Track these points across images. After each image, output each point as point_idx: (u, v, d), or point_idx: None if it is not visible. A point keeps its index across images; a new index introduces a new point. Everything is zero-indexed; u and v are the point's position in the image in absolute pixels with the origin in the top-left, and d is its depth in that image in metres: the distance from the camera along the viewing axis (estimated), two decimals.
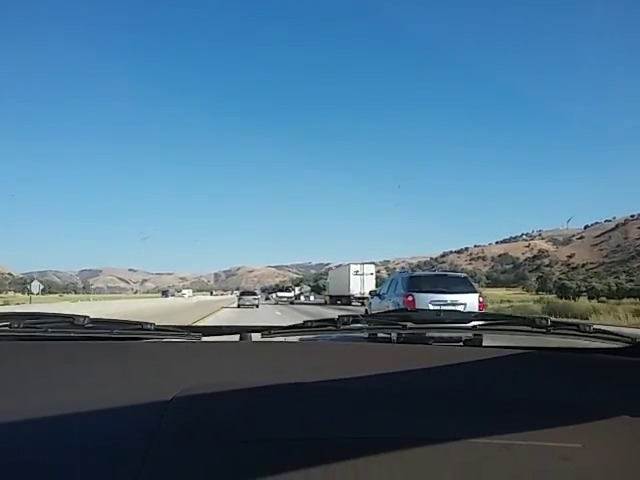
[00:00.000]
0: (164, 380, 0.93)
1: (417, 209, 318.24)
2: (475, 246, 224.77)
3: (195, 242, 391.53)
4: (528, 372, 1.09)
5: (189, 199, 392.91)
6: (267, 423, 0.74)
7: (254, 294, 38.93)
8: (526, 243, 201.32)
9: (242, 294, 38.86)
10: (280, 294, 64.24)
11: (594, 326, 1.24)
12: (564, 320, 1.22)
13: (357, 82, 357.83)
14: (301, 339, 1.30)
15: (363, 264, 45.11)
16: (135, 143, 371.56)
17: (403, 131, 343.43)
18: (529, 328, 1.26)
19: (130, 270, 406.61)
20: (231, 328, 1.32)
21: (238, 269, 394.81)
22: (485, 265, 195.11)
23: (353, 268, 43.40)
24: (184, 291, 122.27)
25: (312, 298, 71.73)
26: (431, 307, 10.60)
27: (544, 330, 1.22)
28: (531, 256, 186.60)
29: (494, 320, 1.35)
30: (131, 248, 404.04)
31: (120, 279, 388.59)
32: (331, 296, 47.52)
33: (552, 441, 0.72)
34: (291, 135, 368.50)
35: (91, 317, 1.20)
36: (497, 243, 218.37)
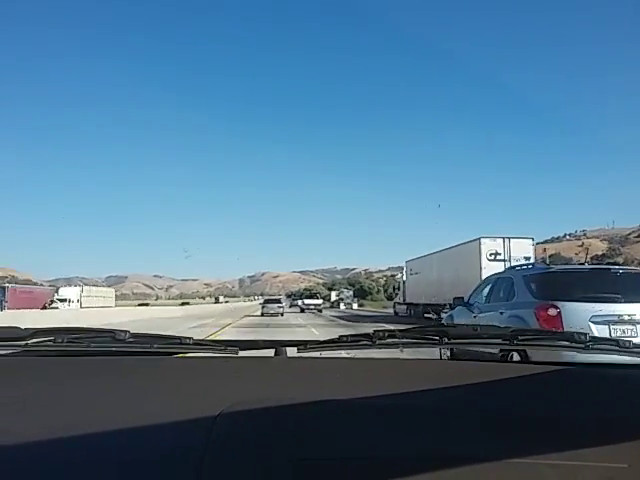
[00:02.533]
0: (207, 395, 0.95)
1: (449, 212, 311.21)
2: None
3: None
4: (570, 389, 1.07)
5: (214, 205, 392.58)
6: (312, 441, 0.74)
7: (279, 302, 36.77)
8: (578, 242, 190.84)
9: (266, 302, 37.23)
10: (307, 301, 52.21)
11: (634, 342, 1.23)
12: (604, 336, 1.20)
13: (378, 87, 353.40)
14: (337, 354, 1.29)
15: (508, 239, 21.37)
16: (161, 150, 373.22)
17: (428, 136, 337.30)
18: (568, 343, 1.24)
19: (155, 276, 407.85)
20: (267, 342, 1.32)
21: (262, 274, 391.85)
22: None
23: (488, 245, 21.15)
24: (221, 298, 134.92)
25: (355, 306, 62.53)
26: (593, 328, 5.87)
27: (583, 346, 1.20)
28: (589, 256, 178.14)
29: (532, 335, 1.33)
30: (156, 254, 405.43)
31: (145, 285, 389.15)
32: (411, 304, 29.76)
33: (597, 461, 0.71)
34: (315, 141, 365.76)
35: (131, 332, 1.23)
36: (539, 244, 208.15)
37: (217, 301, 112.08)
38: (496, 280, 8.14)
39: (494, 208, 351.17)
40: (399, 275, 36.72)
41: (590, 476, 0.68)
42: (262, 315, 32.48)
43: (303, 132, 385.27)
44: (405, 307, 31.71)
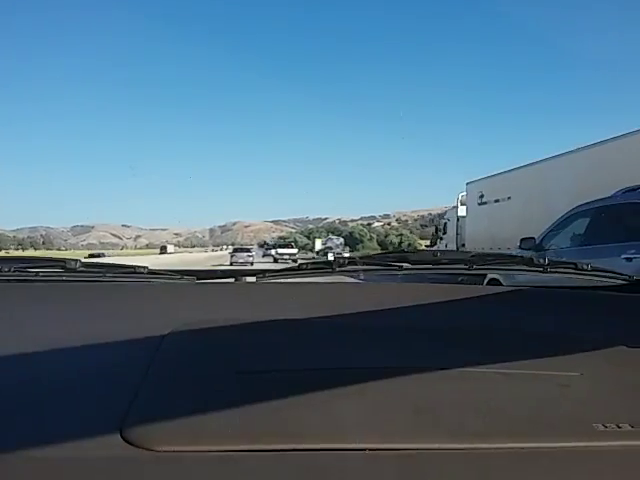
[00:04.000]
0: (159, 318, 0.94)
1: (425, 152, 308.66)
2: None
3: (188, 180, 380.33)
4: (527, 308, 1.12)
5: (184, 151, 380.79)
6: (260, 356, 0.75)
7: (248, 250, 35.97)
8: None
9: (235, 250, 36.21)
10: (281, 250, 46.66)
11: (592, 265, 1.26)
12: (562, 260, 1.27)
13: (357, 18, 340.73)
14: (297, 281, 1.29)
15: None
16: (129, 87, 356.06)
17: (399, 71, 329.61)
18: (526, 267, 1.27)
19: (123, 226, 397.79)
20: (225, 272, 1.33)
21: (234, 224, 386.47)
22: None
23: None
24: (169, 247, 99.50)
25: (346, 255, 54.33)
26: None
27: (541, 269, 1.24)
28: None
29: (492, 259, 1.36)
30: (124, 203, 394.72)
31: (113, 235, 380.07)
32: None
33: (551, 370, 0.74)
34: (285, 77, 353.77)
35: (83, 261, 1.20)
36: None
37: (163, 251, 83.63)
38: (599, 210, 5.03)
39: (472, 153, 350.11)
40: (451, 209, 21.82)
41: (544, 383, 0.71)
42: (231, 265, 31.22)
43: (273, 66, 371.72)
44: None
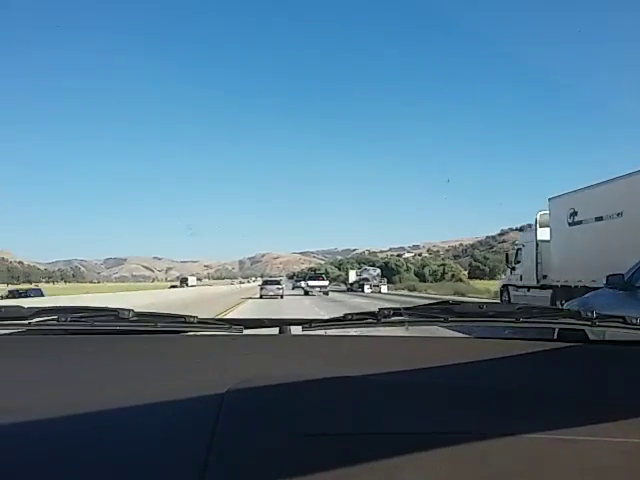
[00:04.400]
0: (213, 373, 0.96)
1: (448, 193, 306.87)
2: None
3: (217, 228, 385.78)
4: (578, 366, 1.09)
5: (214, 187, 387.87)
6: (317, 417, 0.75)
7: (278, 283, 34.12)
8: None
9: (265, 283, 34.51)
10: (312, 283, 42.73)
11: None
12: (610, 314, 1.24)
13: (378, 60, 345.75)
14: (342, 333, 1.29)
15: None
16: (161, 130, 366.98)
17: (427, 109, 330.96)
18: (574, 321, 1.25)
19: (155, 258, 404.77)
20: (272, 321, 1.34)
21: (263, 256, 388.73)
22: None
23: None
24: (190, 279, 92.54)
25: (384, 288, 47.73)
26: None
27: (589, 323, 1.22)
28: None
29: (539, 313, 1.32)
30: (156, 236, 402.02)
31: (145, 267, 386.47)
32: (565, 287, 13.52)
33: (614, 436, 0.71)
34: (315, 118, 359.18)
35: (135, 311, 1.24)
36: None
37: (183, 284, 77.76)
38: None
39: (503, 184, 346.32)
40: (526, 233, 18.36)
41: (606, 450, 0.68)
42: (261, 297, 30.41)
43: (304, 114, 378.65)
44: (546, 292, 14.98)
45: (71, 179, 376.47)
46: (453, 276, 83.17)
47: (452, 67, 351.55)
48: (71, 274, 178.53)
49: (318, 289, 40.37)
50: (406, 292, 48.22)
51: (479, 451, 0.67)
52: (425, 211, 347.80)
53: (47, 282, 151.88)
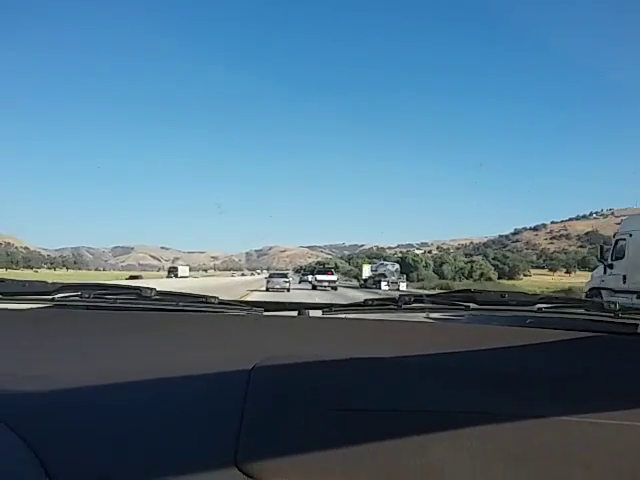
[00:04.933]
0: (237, 351, 0.97)
1: (459, 187, 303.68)
2: (552, 222, 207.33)
3: (220, 214, 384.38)
4: (601, 354, 1.10)
5: (224, 177, 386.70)
6: (347, 393, 0.75)
7: (285, 276, 33.30)
8: (617, 220, 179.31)
9: (271, 276, 33.60)
10: (320, 277, 38.77)
11: None
12: (633, 305, 1.25)
13: (396, 51, 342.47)
14: (362, 317, 1.30)
15: None
16: (171, 118, 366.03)
17: (439, 104, 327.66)
18: (597, 312, 1.25)
19: (162, 248, 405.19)
20: (292, 304, 1.36)
21: (270, 249, 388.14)
22: (570, 245, 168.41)
23: None
24: (180, 268, 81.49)
25: (403, 286, 43.48)
26: None
27: (612, 314, 1.22)
28: None
29: (561, 303, 1.32)
30: (164, 226, 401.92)
31: (152, 257, 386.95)
32: None
33: (637, 420, 0.72)
34: (326, 113, 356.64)
35: (157, 290, 1.26)
36: (564, 222, 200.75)
37: (170, 274, 73.07)
38: None
39: (509, 185, 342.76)
40: (629, 220, 13.58)
41: (632, 434, 0.70)
42: (267, 290, 29.51)
43: (314, 104, 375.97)
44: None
45: (82, 166, 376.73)
46: (482, 274, 76.01)
47: (471, 60, 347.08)
48: (72, 261, 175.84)
49: (326, 284, 37.01)
50: (430, 291, 39.84)
51: (511, 431, 0.67)
52: (434, 209, 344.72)
53: (48, 268, 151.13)
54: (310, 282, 43.21)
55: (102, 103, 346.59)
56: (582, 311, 1.28)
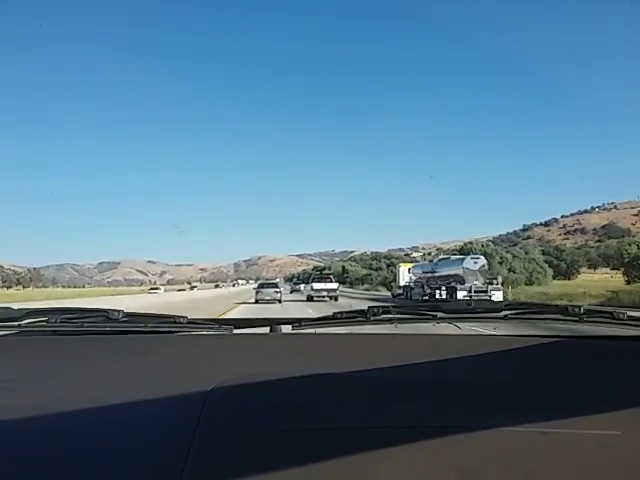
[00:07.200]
0: (200, 372, 0.97)
1: (447, 193, 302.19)
2: (563, 216, 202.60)
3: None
4: (563, 360, 1.09)
5: (208, 189, 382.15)
6: (303, 413, 0.76)
7: (275, 286, 30.00)
8: (634, 211, 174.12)
9: (260, 286, 29.60)
10: (317, 286, 29.99)
11: (628, 314, 1.23)
12: (598, 308, 1.24)
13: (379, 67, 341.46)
14: (331, 331, 1.30)
15: None
16: (153, 133, 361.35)
17: (430, 105, 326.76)
18: (561, 316, 1.26)
19: (149, 262, 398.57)
20: (261, 320, 1.35)
21: (259, 258, 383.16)
22: (587, 240, 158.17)
23: None
24: (160, 287, 73.12)
25: (499, 295, 22.40)
26: None
27: (577, 318, 1.22)
28: None
29: (526, 309, 1.34)
30: (151, 240, 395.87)
31: (139, 271, 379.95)
32: None
33: (590, 428, 0.71)
34: (310, 121, 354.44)
35: (125, 311, 1.24)
36: (564, 217, 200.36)
37: (154, 290, 65.74)
38: None
39: (502, 184, 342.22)
40: None
41: (582, 443, 0.69)
42: (256, 302, 26.49)
43: (301, 116, 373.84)
44: None
45: (63, 183, 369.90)
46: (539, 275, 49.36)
47: (459, 62, 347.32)
48: (28, 278, 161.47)
49: (325, 293, 29.28)
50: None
51: (459, 444, 0.67)
52: (423, 212, 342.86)
53: (1, 287, 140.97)
54: (303, 292, 37.62)
55: (84, 118, 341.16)
56: (547, 316, 1.31)
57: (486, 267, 24.71)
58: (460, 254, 33.32)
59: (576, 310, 1.22)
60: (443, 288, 24.13)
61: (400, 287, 32.51)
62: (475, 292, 22.09)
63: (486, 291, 22.48)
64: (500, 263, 39.75)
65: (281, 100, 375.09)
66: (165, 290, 58.02)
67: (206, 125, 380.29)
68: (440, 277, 25.50)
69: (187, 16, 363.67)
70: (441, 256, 32.28)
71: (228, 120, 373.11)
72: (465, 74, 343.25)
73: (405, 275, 32.24)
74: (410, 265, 33.81)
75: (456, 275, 23.95)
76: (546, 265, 49.69)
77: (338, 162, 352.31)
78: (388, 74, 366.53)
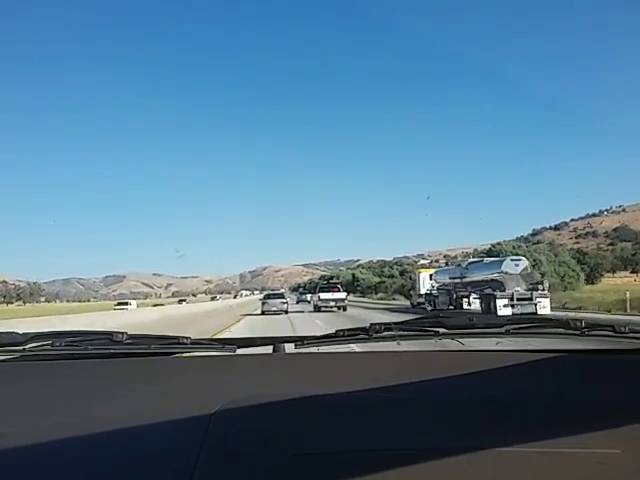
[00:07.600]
0: (204, 394, 0.97)
1: (449, 202, 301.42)
2: (572, 220, 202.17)
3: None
4: (563, 376, 1.09)
5: (212, 201, 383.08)
6: (310, 436, 0.75)
7: (281, 296, 29.65)
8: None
9: (266, 297, 29.10)
10: (324, 295, 28.45)
11: (629, 327, 1.22)
12: (599, 321, 1.25)
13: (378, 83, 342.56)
14: (334, 349, 1.31)
15: None
16: (159, 147, 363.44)
17: (429, 130, 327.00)
18: (563, 330, 1.26)
19: (155, 275, 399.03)
20: (264, 340, 1.35)
21: (264, 269, 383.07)
22: (599, 243, 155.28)
23: None
24: (131, 302, 56.70)
25: (547, 305, 18.38)
26: None
27: (578, 332, 1.22)
28: None
29: (527, 323, 1.34)
30: (156, 252, 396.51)
31: (144, 284, 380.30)
32: None
33: (590, 447, 0.71)
34: (316, 135, 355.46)
35: (129, 333, 1.25)
36: (573, 221, 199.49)
37: (121, 305, 48.14)
38: None
39: (503, 193, 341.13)
40: None
41: (582, 462, 0.68)
42: (262, 313, 26.40)
43: (303, 126, 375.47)
44: None
45: (70, 198, 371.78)
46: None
47: (459, 68, 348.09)
48: (28, 292, 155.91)
49: (332, 303, 27.83)
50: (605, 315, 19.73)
51: (459, 466, 0.67)
52: (428, 220, 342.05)
53: (0, 303, 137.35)
54: (309, 302, 37.31)
55: (91, 132, 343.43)
56: (549, 330, 1.30)
57: (529, 270, 20.66)
58: (487, 257, 28.36)
59: (577, 324, 1.22)
60: (475, 296, 20.98)
61: (420, 295, 29.07)
62: (518, 300, 18.40)
63: (531, 298, 18.62)
64: (533, 267, 30.25)
65: (286, 111, 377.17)
66: (138, 305, 50.78)
67: (210, 137, 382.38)
68: (471, 283, 21.72)
69: (184, 30, 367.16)
70: (471, 259, 27.10)
71: (231, 132, 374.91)
72: (474, 81, 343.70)
73: (426, 282, 28.48)
74: (431, 271, 29.92)
75: (493, 280, 19.88)
76: (578, 268, 44.82)
77: (341, 172, 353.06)
78: (391, 83, 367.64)
